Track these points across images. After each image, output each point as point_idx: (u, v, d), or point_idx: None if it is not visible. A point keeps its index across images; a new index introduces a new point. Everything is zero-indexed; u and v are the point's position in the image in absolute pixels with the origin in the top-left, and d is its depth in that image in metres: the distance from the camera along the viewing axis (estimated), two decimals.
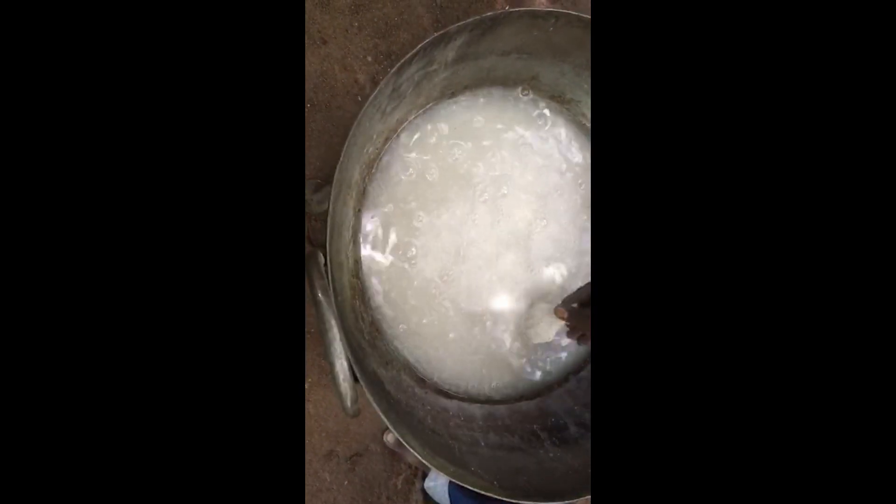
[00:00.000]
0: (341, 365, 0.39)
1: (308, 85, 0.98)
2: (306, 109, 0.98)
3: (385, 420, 0.48)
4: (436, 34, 0.51)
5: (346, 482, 1.09)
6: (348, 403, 0.40)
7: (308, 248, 1.02)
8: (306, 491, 1.06)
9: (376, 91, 0.50)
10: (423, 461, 0.50)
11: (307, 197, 0.89)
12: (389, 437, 1.11)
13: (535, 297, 0.71)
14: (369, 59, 1.01)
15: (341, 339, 0.40)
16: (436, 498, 0.97)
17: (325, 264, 0.50)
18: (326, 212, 0.47)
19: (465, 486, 0.53)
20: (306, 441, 1.05)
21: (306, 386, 1.04)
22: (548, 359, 0.73)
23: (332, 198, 0.47)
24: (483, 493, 0.54)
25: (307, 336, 1.02)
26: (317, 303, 0.40)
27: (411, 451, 0.48)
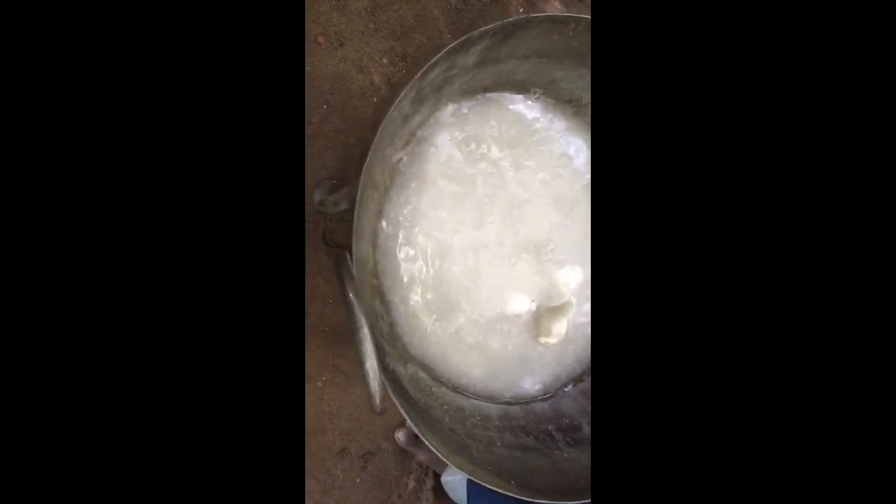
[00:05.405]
0: (371, 364, 0.40)
1: (324, 87, 0.99)
2: (322, 111, 0.99)
3: (407, 419, 0.49)
4: (459, 39, 0.52)
5: (357, 480, 1.10)
6: (377, 402, 0.41)
7: (323, 248, 1.03)
8: (318, 488, 1.08)
9: (400, 96, 0.51)
10: (444, 459, 0.51)
11: (323, 197, 0.91)
12: (400, 436, 1.12)
13: (548, 300, 0.71)
14: (385, 60, 1.02)
15: (371, 340, 0.41)
16: (452, 494, 0.97)
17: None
18: (342, 212, 0.48)
19: (483, 484, 0.54)
20: (319, 438, 1.06)
21: (320, 384, 1.05)
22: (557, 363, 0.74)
23: (357, 200, 0.48)
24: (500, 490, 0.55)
25: (322, 335, 1.03)
26: (347, 303, 0.41)
27: (433, 449, 0.49)
